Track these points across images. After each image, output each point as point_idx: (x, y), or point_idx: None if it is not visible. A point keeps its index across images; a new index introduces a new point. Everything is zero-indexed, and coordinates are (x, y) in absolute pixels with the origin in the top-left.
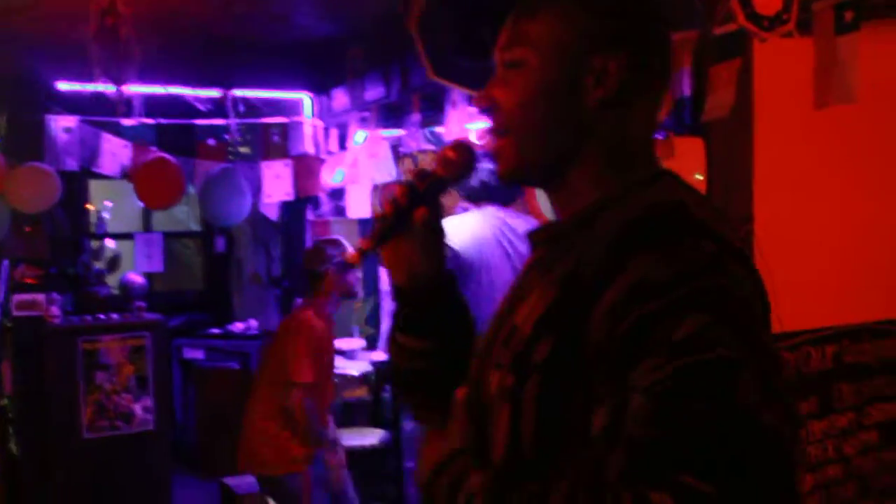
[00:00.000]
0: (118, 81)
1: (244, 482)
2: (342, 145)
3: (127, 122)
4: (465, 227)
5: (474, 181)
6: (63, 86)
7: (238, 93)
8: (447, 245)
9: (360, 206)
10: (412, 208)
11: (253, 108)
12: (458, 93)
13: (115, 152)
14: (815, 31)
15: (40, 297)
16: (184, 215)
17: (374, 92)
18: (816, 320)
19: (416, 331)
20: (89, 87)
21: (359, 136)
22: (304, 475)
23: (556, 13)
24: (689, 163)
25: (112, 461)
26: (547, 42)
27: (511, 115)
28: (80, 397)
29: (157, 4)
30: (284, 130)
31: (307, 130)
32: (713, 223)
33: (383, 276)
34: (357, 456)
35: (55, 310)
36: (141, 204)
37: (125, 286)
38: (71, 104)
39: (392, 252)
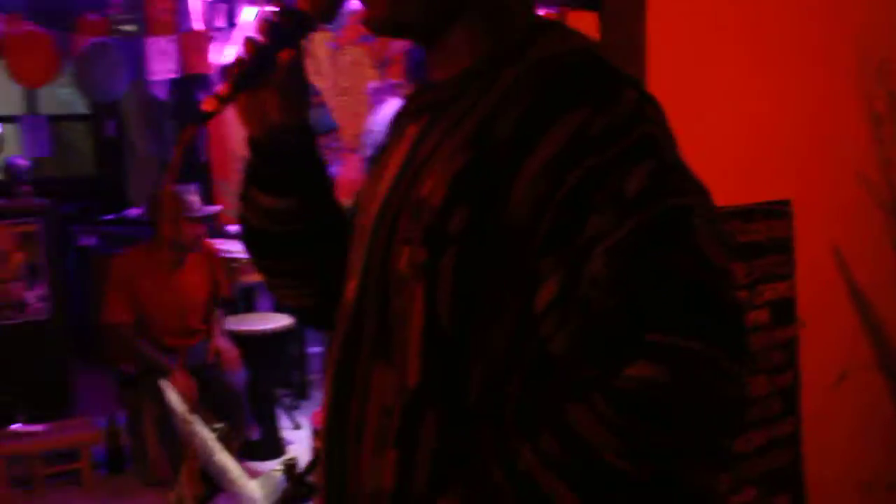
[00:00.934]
0: None
1: None
2: (230, 22)
3: None
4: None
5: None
6: None
7: None
8: (310, 94)
9: None
10: (274, 50)
11: None
12: None
13: None
14: None
15: None
16: (69, 97)
17: None
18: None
19: (276, 189)
20: None
21: (247, 12)
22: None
23: None
24: None
25: (6, 352)
26: None
27: None
28: None
29: None
30: (172, 6)
31: (194, 5)
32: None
33: None
34: (258, 342)
35: None
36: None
37: (8, 169)
38: None
39: (250, 99)
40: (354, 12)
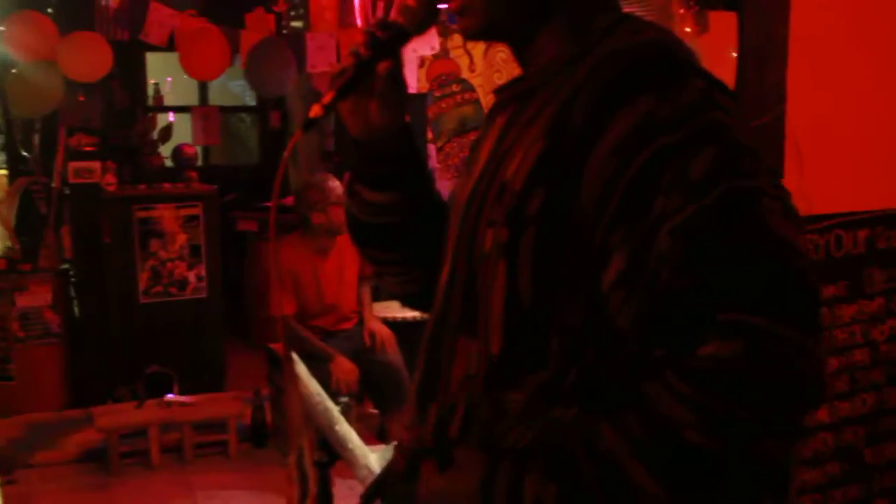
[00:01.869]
0: None
1: None
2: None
3: None
4: None
5: None
6: None
7: None
8: (407, 99)
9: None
10: (374, 60)
11: None
12: None
13: (162, 21)
14: None
15: (96, 164)
16: (239, 90)
17: None
18: (849, 204)
19: (379, 185)
20: None
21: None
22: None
23: None
24: (721, 38)
25: (167, 326)
26: None
27: None
28: (136, 263)
29: None
30: (335, 2)
31: (357, 2)
32: (692, 58)
33: None
34: (403, 328)
35: (111, 177)
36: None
37: (176, 156)
38: None
39: (353, 105)
40: None
